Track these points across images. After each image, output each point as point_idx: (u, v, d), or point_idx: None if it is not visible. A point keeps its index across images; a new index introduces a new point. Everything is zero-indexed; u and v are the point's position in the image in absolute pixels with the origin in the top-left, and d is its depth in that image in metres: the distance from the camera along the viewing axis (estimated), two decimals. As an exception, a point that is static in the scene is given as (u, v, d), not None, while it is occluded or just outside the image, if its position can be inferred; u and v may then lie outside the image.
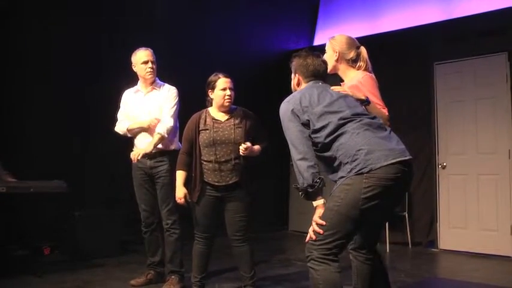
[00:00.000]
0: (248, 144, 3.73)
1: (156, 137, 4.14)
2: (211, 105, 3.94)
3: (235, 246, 3.90)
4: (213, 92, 3.88)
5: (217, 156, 3.76)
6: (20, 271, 4.63)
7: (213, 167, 3.77)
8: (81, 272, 4.79)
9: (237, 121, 3.86)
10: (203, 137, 3.81)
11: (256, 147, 3.87)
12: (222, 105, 3.86)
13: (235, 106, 3.98)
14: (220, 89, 3.83)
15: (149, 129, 4.24)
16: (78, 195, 5.34)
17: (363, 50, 3.27)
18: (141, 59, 4.27)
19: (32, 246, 5.08)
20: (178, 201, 3.85)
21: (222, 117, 3.88)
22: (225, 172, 3.77)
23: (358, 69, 3.23)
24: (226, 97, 3.83)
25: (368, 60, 3.26)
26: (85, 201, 5.59)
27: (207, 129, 3.82)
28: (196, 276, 3.93)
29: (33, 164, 5.21)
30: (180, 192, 3.83)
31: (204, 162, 3.81)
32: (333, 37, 3.32)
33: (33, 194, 4.57)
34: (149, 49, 4.34)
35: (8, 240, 4.94)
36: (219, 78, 3.86)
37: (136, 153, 4.10)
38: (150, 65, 4.27)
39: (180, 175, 3.86)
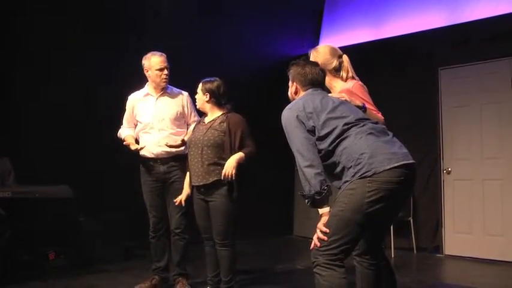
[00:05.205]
0: (225, 171, 3.67)
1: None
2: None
3: (217, 249, 3.90)
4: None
5: (191, 158, 3.88)
6: (25, 276, 4.63)
7: (191, 168, 3.88)
8: (86, 277, 4.80)
9: (216, 123, 3.87)
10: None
11: (236, 157, 3.72)
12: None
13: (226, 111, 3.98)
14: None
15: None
16: (83, 200, 5.34)
17: (345, 59, 3.29)
18: (157, 65, 4.19)
19: (37, 252, 5.08)
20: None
21: (207, 119, 3.98)
22: (201, 173, 3.81)
23: (342, 79, 3.25)
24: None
25: (350, 67, 3.28)
26: (90, 206, 5.60)
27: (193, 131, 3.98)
28: (208, 275, 4.02)
29: (38, 169, 5.22)
30: (183, 193, 3.99)
31: (189, 164, 3.93)
32: (315, 49, 3.35)
33: (38, 199, 4.60)
34: (164, 55, 4.25)
35: (13, 245, 4.94)
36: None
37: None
38: (166, 71, 4.21)
39: (187, 176, 4.02)
